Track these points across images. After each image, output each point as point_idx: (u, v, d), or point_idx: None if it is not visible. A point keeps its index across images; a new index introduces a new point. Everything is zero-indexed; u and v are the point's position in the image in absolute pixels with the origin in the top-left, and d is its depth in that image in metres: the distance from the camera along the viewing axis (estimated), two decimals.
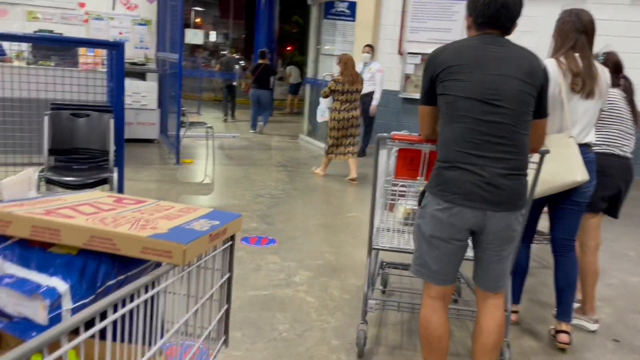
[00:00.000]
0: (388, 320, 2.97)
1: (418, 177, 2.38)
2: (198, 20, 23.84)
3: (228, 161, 7.10)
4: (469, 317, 2.52)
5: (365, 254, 2.59)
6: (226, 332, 1.43)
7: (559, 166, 2.42)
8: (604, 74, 2.56)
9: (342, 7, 9.02)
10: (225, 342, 1.44)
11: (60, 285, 0.95)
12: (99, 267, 1.01)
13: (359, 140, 6.47)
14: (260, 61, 9.80)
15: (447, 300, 2.00)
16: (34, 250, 1.02)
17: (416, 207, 2.22)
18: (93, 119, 3.77)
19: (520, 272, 2.85)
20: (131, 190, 4.72)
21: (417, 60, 8.42)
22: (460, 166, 1.79)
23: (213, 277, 1.28)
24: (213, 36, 23.96)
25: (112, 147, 3.75)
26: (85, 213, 1.10)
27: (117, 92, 3.98)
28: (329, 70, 8.68)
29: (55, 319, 0.93)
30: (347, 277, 3.48)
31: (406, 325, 2.93)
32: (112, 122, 3.76)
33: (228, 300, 1.39)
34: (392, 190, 2.51)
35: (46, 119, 3.62)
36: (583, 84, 2.47)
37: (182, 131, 6.71)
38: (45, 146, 3.62)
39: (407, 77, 8.61)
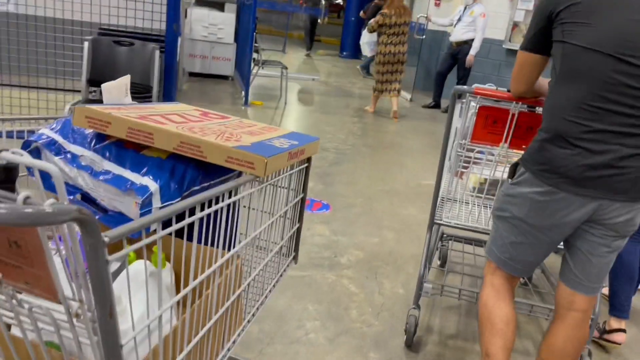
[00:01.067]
0: (442, 303, 2.53)
1: (500, 144, 1.97)
2: None
3: (300, 106, 6.56)
4: (544, 316, 2.11)
5: None
6: (296, 249, 1.50)
7: None
8: None
9: None
10: (295, 259, 1.51)
11: (152, 184, 1.01)
12: (186, 172, 1.06)
13: (404, 77, 6.35)
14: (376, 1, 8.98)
15: (514, 286, 1.72)
16: (128, 151, 1.08)
17: (489, 178, 2.03)
18: (137, 49, 3.33)
19: (629, 274, 2.27)
20: None
21: (530, 5, 7.16)
22: (572, 141, 1.42)
23: (288, 196, 1.33)
24: None
25: (156, 82, 3.31)
26: (175, 122, 1.14)
27: (169, 19, 3.50)
28: (424, 11, 7.69)
29: (146, 215, 0.98)
30: (406, 264, 2.87)
31: (464, 309, 2.48)
32: (157, 53, 3.30)
33: (300, 220, 1.45)
34: (467, 157, 2.05)
35: (86, 45, 3.24)
36: None
37: (254, 70, 6.22)
38: (84, 76, 3.26)
39: (514, 24, 7.39)
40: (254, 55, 6.30)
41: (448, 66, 7.01)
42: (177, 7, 3.44)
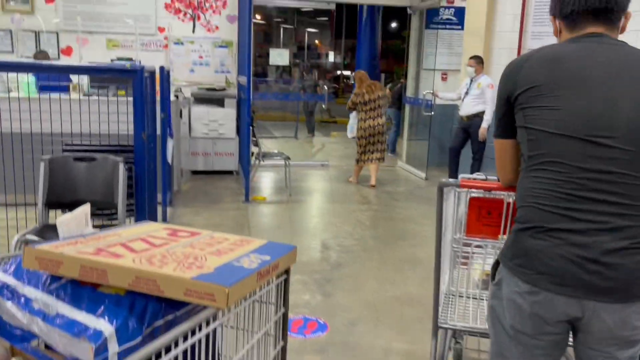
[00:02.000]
0: None
1: (499, 236, 1.80)
2: (317, 42, 23.82)
3: (305, 197, 6.17)
4: None
5: None
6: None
7: None
8: None
9: (447, 13, 7.73)
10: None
11: (106, 327, 0.96)
12: (147, 307, 1.01)
13: (385, 147, 6.75)
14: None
15: None
16: (85, 289, 1.04)
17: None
18: (99, 164, 3.02)
19: None
20: None
21: None
22: (549, 232, 1.28)
23: (268, 312, 1.28)
24: (331, 56, 24.01)
25: (121, 200, 2.96)
26: (136, 251, 1.12)
27: (137, 127, 3.21)
28: (430, 87, 7.44)
29: None
30: None
31: None
32: (121, 167, 2.97)
33: (284, 337, 1.37)
34: (464, 252, 1.90)
35: (42, 168, 2.93)
36: None
37: (254, 164, 5.93)
38: (41, 200, 2.93)
39: None
40: (253, 149, 6.04)
41: (461, 140, 6.61)
42: (143, 115, 3.16)
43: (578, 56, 1.30)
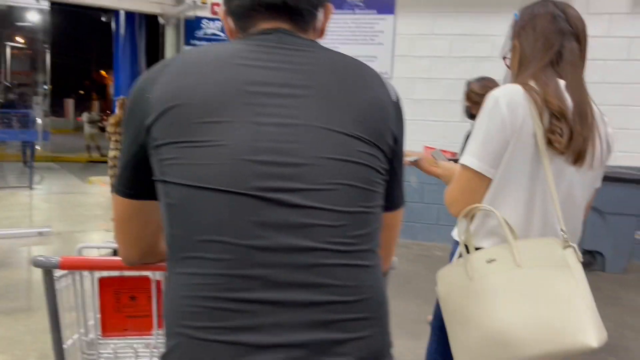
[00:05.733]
0: None
1: (152, 331, 1.20)
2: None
3: None
4: None
5: None
6: None
7: (548, 313, 1.15)
8: (603, 122, 1.36)
9: (213, 27, 6.04)
10: None
11: None
12: None
13: None
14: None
15: None
16: None
17: None
18: None
19: None
20: None
21: None
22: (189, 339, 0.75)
23: None
24: None
25: None
26: None
27: None
28: None
29: None
30: None
31: None
32: None
33: None
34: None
35: None
36: (570, 137, 1.25)
37: None
38: None
39: None
40: None
41: None
42: None
43: (242, 61, 0.78)
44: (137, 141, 0.78)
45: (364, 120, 0.78)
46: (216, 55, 0.80)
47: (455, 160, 2.63)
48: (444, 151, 3.09)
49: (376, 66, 6.62)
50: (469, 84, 2.91)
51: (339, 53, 0.84)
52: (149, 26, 9.27)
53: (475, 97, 2.87)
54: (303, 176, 0.73)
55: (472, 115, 3.05)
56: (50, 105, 12.37)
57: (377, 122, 0.79)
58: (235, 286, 0.71)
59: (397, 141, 0.83)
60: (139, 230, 0.89)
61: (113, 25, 10.09)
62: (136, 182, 0.82)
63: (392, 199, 0.87)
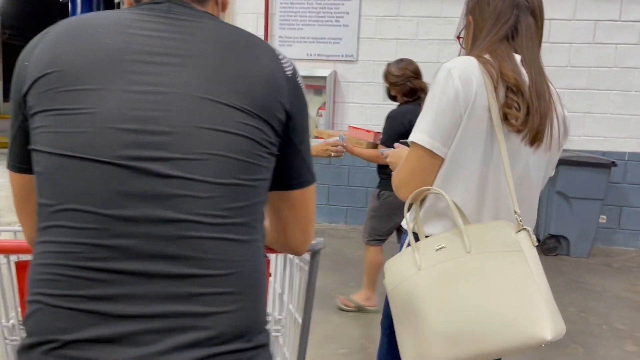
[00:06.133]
0: None
1: None
2: None
3: None
4: None
5: None
6: None
7: (499, 303, 1.06)
8: (560, 103, 1.28)
9: None
10: None
11: None
12: None
13: None
14: None
15: None
16: None
17: None
18: None
19: None
20: None
21: None
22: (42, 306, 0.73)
23: None
24: None
25: None
26: None
27: None
28: None
29: None
30: None
31: None
32: None
33: None
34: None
35: None
36: (527, 113, 1.17)
37: None
38: None
39: None
40: None
41: None
42: None
43: (124, 26, 0.76)
44: (20, 112, 0.77)
45: (248, 92, 0.76)
46: (97, 23, 0.77)
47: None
48: (358, 128, 2.99)
49: (341, 49, 6.23)
50: (388, 65, 2.92)
51: (232, 26, 0.82)
52: (107, 7, 9.14)
53: (392, 78, 2.87)
54: (173, 145, 0.71)
55: (392, 97, 2.99)
56: (3, 90, 11.79)
57: (264, 95, 0.77)
58: (96, 256, 0.70)
59: (292, 116, 0.81)
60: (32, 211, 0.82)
61: (70, 6, 9.89)
62: (26, 155, 0.78)
63: (295, 176, 0.85)
